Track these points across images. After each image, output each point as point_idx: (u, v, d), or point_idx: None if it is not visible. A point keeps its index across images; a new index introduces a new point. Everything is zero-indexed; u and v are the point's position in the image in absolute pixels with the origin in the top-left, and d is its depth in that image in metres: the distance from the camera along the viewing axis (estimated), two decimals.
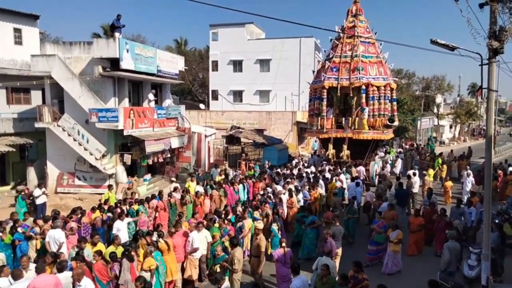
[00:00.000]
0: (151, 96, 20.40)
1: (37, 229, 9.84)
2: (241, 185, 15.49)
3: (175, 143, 20.42)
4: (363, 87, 20.12)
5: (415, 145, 33.49)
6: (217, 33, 38.02)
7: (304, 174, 17.55)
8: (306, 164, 22.03)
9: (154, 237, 9.01)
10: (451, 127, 54.11)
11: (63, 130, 17.49)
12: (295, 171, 18.86)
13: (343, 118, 21.21)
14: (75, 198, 17.58)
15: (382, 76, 20.58)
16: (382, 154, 25.27)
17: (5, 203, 16.76)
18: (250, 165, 22.11)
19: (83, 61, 18.22)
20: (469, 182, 16.95)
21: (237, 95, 38.19)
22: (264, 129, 31.99)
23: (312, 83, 22.75)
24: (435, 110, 49.11)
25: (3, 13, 19.92)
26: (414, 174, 16.55)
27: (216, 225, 10.23)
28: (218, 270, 8.23)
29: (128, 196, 14.04)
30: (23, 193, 14.42)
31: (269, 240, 10.41)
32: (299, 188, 14.51)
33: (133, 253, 7.99)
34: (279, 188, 14.39)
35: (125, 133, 17.14)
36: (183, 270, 9.25)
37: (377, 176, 19.38)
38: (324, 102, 20.96)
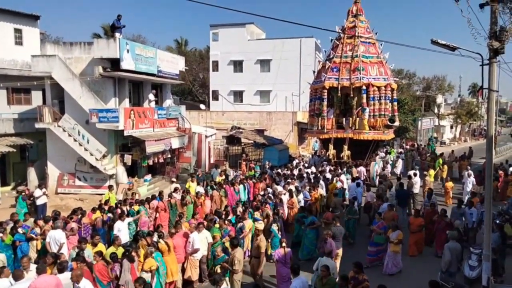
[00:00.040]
0: (151, 96, 20.41)
1: (37, 230, 9.84)
2: (241, 186, 15.49)
3: (175, 143, 20.43)
4: (364, 87, 20.11)
5: (416, 146, 33.47)
6: (218, 33, 38.04)
7: (305, 175, 17.54)
8: (306, 165, 22.02)
9: (155, 238, 9.01)
10: (451, 127, 54.08)
11: (64, 131, 17.49)
12: (296, 172, 18.85)
13: (344, 119, 21.20)
14: (76, 199, 17.59)
15: (383, 76, 20.59)
16: (382, 154, 25.26)
17: (6, 203, 16.77)
18: (251, 165, 22.10)
19: (84, 61, 18.24)
20: (470, 182, 16.93)
21: (238, 96, 38.19)
22: (265, 129, 31.99)
23: (313, 83, 22.75)
24: (436, 111, 49.08)
25: (3, 13, 19.94)
26: (415, 175, 16.53)
27: (217, 225, 10.22)
28: (219, 271, 8.21)
29: (128, 196, 14.03)
30: (23, 193, 14.41)
31: (269, 240, 10.41)
32: (300, 188, 14.50)
33: (133, 253, 7.99)
34: (279, 188, 14.39)
35: (125, 133, 17.14)
36: (183, 270, 9.25)
37: (378, 177, 19.37)
38: (325, 103, 20.96)
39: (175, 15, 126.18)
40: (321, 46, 36.78)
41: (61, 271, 7.04)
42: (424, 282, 7.27)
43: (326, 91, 20.80)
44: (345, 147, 20.48)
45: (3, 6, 19.94)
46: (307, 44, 36.07)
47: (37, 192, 14.47)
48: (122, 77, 18.58)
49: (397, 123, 21.84)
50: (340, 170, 18.21)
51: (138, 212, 11.89)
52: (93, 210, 11.92)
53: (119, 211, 11.37)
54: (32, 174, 18.71)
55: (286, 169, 20.01)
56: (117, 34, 17.92)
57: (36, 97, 21.06)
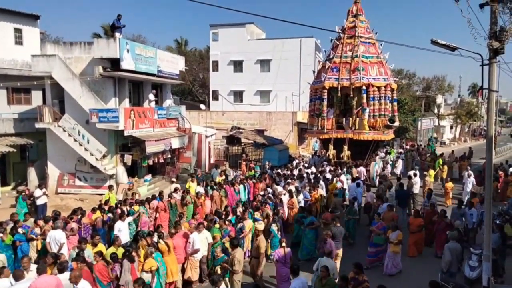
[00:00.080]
0: (151, 96, 20.40)
1: (37, 230, 9.84)
2: (241, 186, 15.48)
3: (175, 143, 20.42)
4: (364, 87, 20.11)
5: (416, 146, 33.48)
6: (218, 33, 38.05)
7: (305, 175, 17.54)
8: (306, 165, 22.02)
9: (155, 238, 9.01)
10: (451, 127, 54.09)
11: (64, 131, 17.49)
12: (296, 172, 18.85)
13: (344, 119, 21.20)
14: (76, 199, 17.58)
15: (383, 77, 20.59)
16: (382, 154, 25.26)
17: (6, 203, 16.76)
18: (251, 165, 22.10)
19: (84, 61, 18.23)
20: (470, 182, 16.93)
21: (238, 96, 38.20)
22: (265, 129, 31.99)
23: (313, 83, 22.75)
24: (436, 111, 49.09)
25: (3, 13, 19.93)
26: (415, 175, 16.53)
27: (217, 226, 10.22)
28: (219, 271, 8.21)
29: (128, 196, 14.02)
30: (23, 193, 14.41)
31: (269, 240, 10.41)
32: (300, 189, 14.50)
33: (133, 253, 7.99)
34: (279, 188, 14.38)
35: (125, 133, 17.14)
36: (183, 271, 9.25)
37: (378, 177, 19.37)
38: (325, 103, 20.96)
39: (175, 15, 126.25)
40: (321, 46, 36.81)
41: (61, 271, 7.03)
42: (424, 282, 7.27)
43: (326, 91, 20.80)
44: (345, 147, 20.47)
45: (3, 6, 19.97)
46: (307, 44, 36.08)
47: (37, 192, 14.46)
48: (122, 77, 18.58)
49: (397, 123, 21.84)
50: (340, 170, 18.20)
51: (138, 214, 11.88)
52: (93, 210, 11.91)
53: (119, 211, 11.37)
54: (32, 174, 18.71)
55: (286, 169, 20.01)
56: (117, 34, 17.92)
57: (36, 97, 21.06)
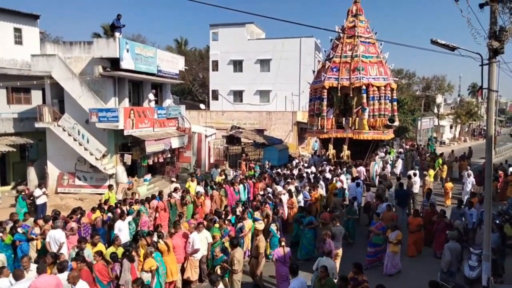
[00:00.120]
0: (151, 96, 20.40)
1: (37, 230, 9.83)
2: (241, 185, 15.48)
3: (175, 143, 20.42)
4: (364, 87, 20.11)
5: (416, 145, 33.49)
6: (217, 33, 38.02)
7: (305, 175, 17.54)
8: (306, 165, 22.02)
9: (154, 238, 9.01)
10: (451, 127, 54.10)
11: (63, 130, 17.49)
12: (295, 172, 18.84)
13: (344, 118, 21.21)
14: (76, 198, 17.58)
15: (383, 76, 20.58)
16: (382, 154, 25.27)
17: (6, 203, 16.76)
18: (251, 165, 22.10)
19: (83, 61, 18.22)
20: (470, 182, 16.92)
21: (237, 95, 38.19)
22: (265, 129, 31.99)
23: (313, 83, 22.75)
24: (436, 110, 49.11)
25: (3, 13, 19.92)
26: (415, 175, 16.54)
27: (217, 225, 10.22)
28: (219, 271, 8.22)
29: (128, 196, 14.02)
30: (23, 193, 14.41)
31: (268, 240, 10.42)
32: (300, 188, 14.50)
33: (133, 253, 7.99)
34: (279, 188, 14.38)
35: (125, 133, 17.13)
36: (183, 271, 9.25)
37: (378, 177, 19.37)
38: (325, 102, 20.96)
39: (175, 15, 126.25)
40: (321, 46, 36.78)
41: (61, 270, 7.03)
42: (423, 282, 7.28)
43: (326, 91, 20.80)
44: (345, 147, 20.47)
45: (2, 6, 19.96)
46: (307, 44, 36.07)
47: (37, 192, 14.47)
48: (122, 77, 18.57)
49: (396, 123, 21.84)
50: (340, 170, 18.20)
51: (139, 212, 11.89)
52: (93, 209, 11.91)
53: (118, 211, 11.37)
54: (32, 174, 18.70)
55: (286, 169, 20.01)
56: (117, 34, 17.91)
57: (36, 96, 21.06)
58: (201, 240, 9.31)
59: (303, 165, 21.30)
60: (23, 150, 19.90)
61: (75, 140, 17.42)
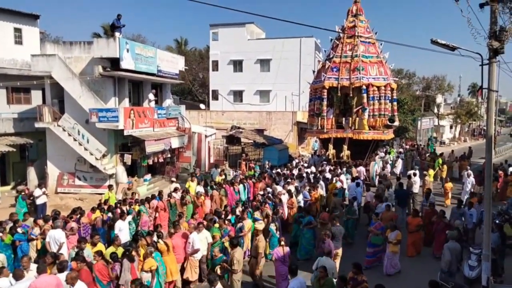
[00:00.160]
0: (151, 96, 20.40)
1: (37, 230, 9.83)
2: (241, 185, 15.48)
3: (175, 143, 20.42)
4: (364, 87, 20.10)
5: (416, 145, 33.48)
6: (217, 33, 38.01)
7: (304, 175, 17.53)
8: (306, 164, 22.01)
9: (154, 238, 9.01)
10: (451, 127, 54.11)
11: (63, 130, 17.49)
12: (295, 172, 18.84)
13: (343, 118, 21.19)
14: (76, 198, 17.58)
15: (383, 76, 20.57)
16: (382, 154, 25.27)
17: (6, 203, 16.77)
18: (251, 165, 22.10)
19: (83, 61, 18.22)
20: (469, 182, 16.92)
21: (237, 95, 38.18)
22: (264, 129, 31.98)
23: (312, 83, 22.74)
24: (436, 110, 49.10)
25: (3, 13, 19.92)
26: (415, 175, 16.53)
27: (216, 225, 10.22)
28: (219, 271, 8.22)
29: (128, 196, 14.03)
30: (23, 193, 14.41)
31: (267, 240, 10.41)
32: (299, 188, 14.49)
33: (134, 253, 7.99)
34: (279, 188, 14.37)
35: (125, 133, 17.13)
36: (183, 270, 9.24)
37: (377, 176, 19.37)
38: (325, 102, 20.95)
39: (175, 15, 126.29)
40: (321, 46, 36.78)
41: (61, 270, 7.03)
42: (423, 282, 7.28)
43: (325, 91, 20.78)
44: (345, 147, 20.46)
45: (3, 6, 19.97)
46: (307, 43, 36.06)
47: (37, 192, 14.47)
48: (122, 77, 18.57)
49: (396, 123, 21.82)
50: (339, 170, 18.19)
51: (139, 212, 11.89)
52: (93, 209, 11.91)
53: (118, 211, 11.37)
54: (32, 174, 18.71)
55: (285, 169, 20.00)
56: (117, 34, 17.91)
57: (36, 96, 21.06)
58: (201, 240, 9.31)
59: (303, 165, 21.29)
60: (23, 150, 19.90)
61: (75, 140, 17.42)
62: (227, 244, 9.36)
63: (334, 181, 15.92)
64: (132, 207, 12.17)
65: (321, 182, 15.64)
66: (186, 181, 16.84)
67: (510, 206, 13.62)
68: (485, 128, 19.23)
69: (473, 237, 11.47)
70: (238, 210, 11.75)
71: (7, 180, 19.65)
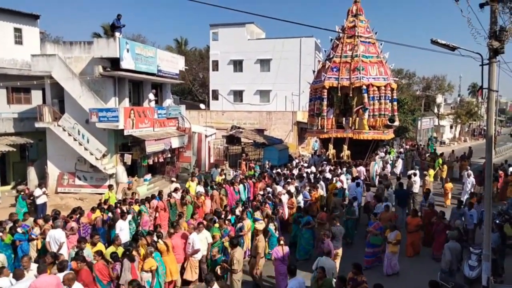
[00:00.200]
0: (151, 96, 20.40)
1: (37, 230, 9.84)
2: (241, 185, 15.48)
3: (175, 143, 20.42)
4: (364, 87, 20.10)
5: (416, 145, 33.48)
6: (218, 33, 38.01)
7: (305, 175, 17.53)
8: (306, 164, 22.01)
9: (154, 238, 9.01)
10: (451, 127, 54.11)
11: (64, 130, 17.49)
12: (296, 171, 18.84)
13: (344, 118, 21.19)
14: (76, 198, 17.59)
15: (383, 76, 20.57)
16: (382, 154, 25.27)
17: (6, 203, 16.77)
18: (251, 165, 22.10)
19: (84, 61, 18.23)
20: (469, 182, 16.91)
21: (238, 95, 38.18)
22: (265, 129, 31.99)
23: (313, 83, 22.74)
24: (436, 110, 49.10)
25: (3, 13, 19.93)
26: (415, 174, 16.52)
27: (216, 225, 10.22)
28: (219, 271, 8.23)
29: (128, 196, 14.03)
30: (23, 193, 14.42)
31: (266, 240, 10.41)
32: (300, 188, 14.49)
33: (134, 253, 7.99)
34: (279, 188, 14.37)
35: (125, 133, 17.14)
36: (183, 271, 9.24)
37: (378, 176, 19.37)
38: (325, 102, 20.94)
39: (175, 15, 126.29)
40: (321, 45, 36.78)
41: (61, 270, 7.03)
42: (422, 282, 7.28)
43: (326, 90, 20.77)
44: (345, 147, 20.46)
45: (3, 6, 19.98)
46: (307, 43, 36.05)
47: (37, 192, 14.48)
48: (122, 77, 18.57)
49: (397, 123, 21.82)
50: (340, 170, 18.19)
51: (139, 212, 11.89)
52: (93, 209, 11.91)
53: (118, 210, 11.37)
54: (32, 174, 18.71)
55: (286, 169, 19.99)
56: (117, 34, 17.91)
57: (36, 96, 21.06)
58: (201, 240, 9.31)
59: (303, 165, 21.29)
60: (23, 150, 19.91)
61: (75, 140, 17.43)
62: (227, 244, 9.35)
63: (334, 181, 15.91)
64: (132, 207, 12.17)
65: (321, 182, 15.64)
66: (186, 181, 16.84)
67: (510, 206, 13.61)
68: (485, 128, 19.24)
69: (473, 237, 11.48)
70: (238, 210, 11.75)
71: (7, 180, 19.66)
